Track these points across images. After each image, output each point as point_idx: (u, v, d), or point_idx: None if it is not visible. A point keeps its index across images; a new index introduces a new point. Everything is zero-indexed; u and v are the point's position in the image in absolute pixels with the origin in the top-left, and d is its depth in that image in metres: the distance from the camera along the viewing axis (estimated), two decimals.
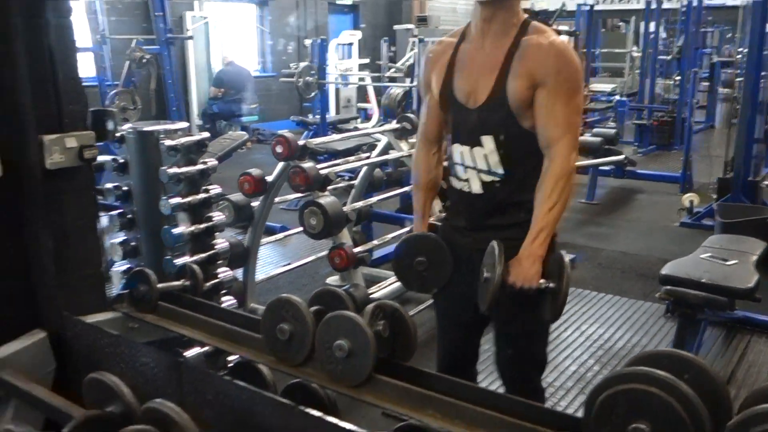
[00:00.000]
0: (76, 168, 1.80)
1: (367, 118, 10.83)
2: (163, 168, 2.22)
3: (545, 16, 12.60)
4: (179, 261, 2.21)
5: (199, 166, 2.31)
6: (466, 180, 2.00)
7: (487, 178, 1.96)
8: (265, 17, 12.26)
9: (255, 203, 3.44)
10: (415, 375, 1.55)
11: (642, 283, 4.64)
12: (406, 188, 4.33)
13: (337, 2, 13.40)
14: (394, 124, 4.05)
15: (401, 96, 8.10)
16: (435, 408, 1.46)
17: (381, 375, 1.53)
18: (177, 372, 1.54)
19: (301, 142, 3.20)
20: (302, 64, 7.81)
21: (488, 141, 1.93)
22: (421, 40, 6.55)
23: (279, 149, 3.16)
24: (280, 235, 3.99)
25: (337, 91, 11.24)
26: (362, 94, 11.48)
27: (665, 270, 3.23)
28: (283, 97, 11.67)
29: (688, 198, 6.15)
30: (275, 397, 1.49)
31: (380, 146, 4.08)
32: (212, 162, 2.35)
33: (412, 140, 3.91)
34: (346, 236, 3.27)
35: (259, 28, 12.32)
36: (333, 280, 4.28)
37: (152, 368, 1.59)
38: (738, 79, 7.95)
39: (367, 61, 11.93)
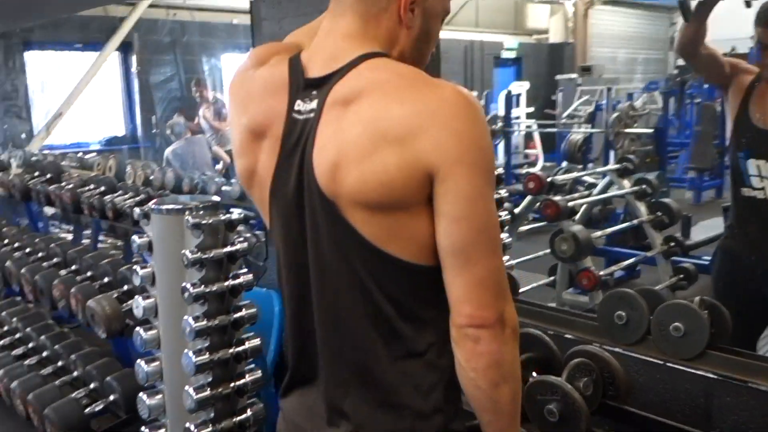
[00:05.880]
0: None
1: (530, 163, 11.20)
2: None
3: None
4: None
5: None
6: (762, 188, 2.39)
7: None
8: None
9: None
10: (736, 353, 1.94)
11: None
12: (620, 225, 4.64)
13: (502, 56, 14.06)
14: (614, 165, 4.44)
15: (581, 141, 8.45)
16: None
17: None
18: None
19: (549, 179, 3.69)
20: (490, 115, 8.45)
21: None
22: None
23: (531, 185, 3.66)
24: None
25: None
26: (527, 140, 11.88)
27: None
28: None
29: None
30: None
31: (602, 184, 4.48)
32: None
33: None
34: (589, 261, 3.68)
35: None
36: None
37: None
38: None
39: (532, 109, 12.38)
